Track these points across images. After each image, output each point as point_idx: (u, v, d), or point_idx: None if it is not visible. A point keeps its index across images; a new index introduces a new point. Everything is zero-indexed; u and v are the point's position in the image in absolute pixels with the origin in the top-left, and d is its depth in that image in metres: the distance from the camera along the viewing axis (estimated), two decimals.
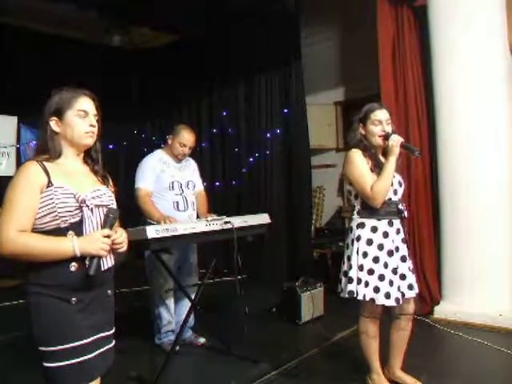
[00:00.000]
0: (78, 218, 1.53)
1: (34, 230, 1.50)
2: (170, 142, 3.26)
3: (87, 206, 1.55)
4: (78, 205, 1.53)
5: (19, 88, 5.51)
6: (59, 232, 1.50)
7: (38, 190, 1.49)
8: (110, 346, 1.63)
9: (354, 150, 2.47)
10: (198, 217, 3.33)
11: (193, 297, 3.07)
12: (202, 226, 2.77)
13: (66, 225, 1.51)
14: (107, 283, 1.62)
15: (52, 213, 1.49)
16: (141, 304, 3.44)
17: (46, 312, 1.48)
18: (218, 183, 5.96)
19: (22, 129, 5.99)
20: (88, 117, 1.62)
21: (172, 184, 3.20)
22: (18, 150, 5.95)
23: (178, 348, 2.97)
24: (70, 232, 1.51)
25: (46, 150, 1.59)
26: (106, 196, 1.63)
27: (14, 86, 5.55)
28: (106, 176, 1.72)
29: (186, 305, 3.29)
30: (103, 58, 6.24)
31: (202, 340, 3.37)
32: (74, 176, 1.59)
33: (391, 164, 2.38)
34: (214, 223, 2.82)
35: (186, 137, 3.23)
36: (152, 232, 2.48)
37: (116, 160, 6.41)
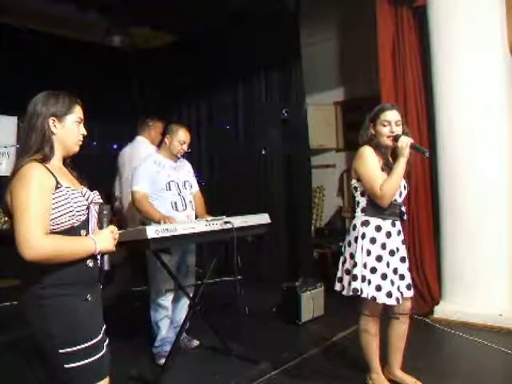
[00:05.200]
0: (85, 217, 1.57)
1: (49, 231, 1.48)
2: (167, 141, 3.26)
3: (93, 204, 1.61)
4: (87, 203, 1.58)
5: (19, 88, 5.50)
6: (73, 231, 1.53)
7: (50, 191, 1.49)
8: (107, 340, 1.67)
9: (366, 147, 2.47)
10: (196, 218, 3.31)
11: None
12: (201, 226, 2.77)
13: (78, 223, 1.54)
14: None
15: (69, 212, 1.51)
16: (141, 304, 3.44)
17: (67, 312, 1.49)
18: (216, 183, 5.95)
19: (22, 129, 5.99)
20: (81, 125, 1.67)
21: (169, 184, 3.18)
22: (18, 150, 5.94)
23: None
24: (83, 230, 1.56)
25: (40, 149, 1.56)
26: (96, 194, 1.68)
27: (14, 86, 5.54)
28: (80, 177, 1.74)
29: (183, 305, 3.28)
30: (103, 59, 6.23)
31: (196, 343, 3.35)
32: (67, 176, 1.63)
33: (401, 165, 2.38)
34: (214, 223, 2.82)
35: (184, 134, 3.27)
36: (152, 232, 2.48)
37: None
